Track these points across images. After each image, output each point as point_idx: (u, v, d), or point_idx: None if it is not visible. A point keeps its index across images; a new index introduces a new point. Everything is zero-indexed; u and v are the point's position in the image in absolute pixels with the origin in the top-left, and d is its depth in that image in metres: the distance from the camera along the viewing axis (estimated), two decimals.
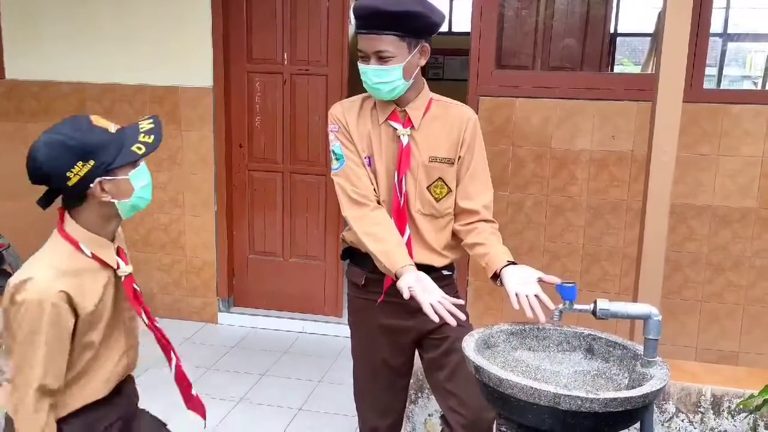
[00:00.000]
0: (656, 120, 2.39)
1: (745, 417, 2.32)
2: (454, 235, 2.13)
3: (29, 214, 4.57)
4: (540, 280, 1.88)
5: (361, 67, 1.98)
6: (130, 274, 1.80)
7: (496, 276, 1.96)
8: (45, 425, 1.63)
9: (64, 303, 1.63)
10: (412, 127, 2.04)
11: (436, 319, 1.82)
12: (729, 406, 2.34)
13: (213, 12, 4.12)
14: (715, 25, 4.82)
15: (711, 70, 5.09)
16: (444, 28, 3.73)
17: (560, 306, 1.79)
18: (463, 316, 1.86)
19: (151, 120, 1.77)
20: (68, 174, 1.61)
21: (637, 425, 1.77)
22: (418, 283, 1.87)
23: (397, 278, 1.89)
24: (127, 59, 4.26)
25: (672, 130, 2.38)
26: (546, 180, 3.67)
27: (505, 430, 1.73)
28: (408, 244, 2.04)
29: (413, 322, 2.10)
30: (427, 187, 2.06)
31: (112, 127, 1.69)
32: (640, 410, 1.60)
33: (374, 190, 2.05)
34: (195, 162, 4.30)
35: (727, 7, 4.99)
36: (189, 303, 4.47)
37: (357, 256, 2.15)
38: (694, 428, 2.37)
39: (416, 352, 2.24)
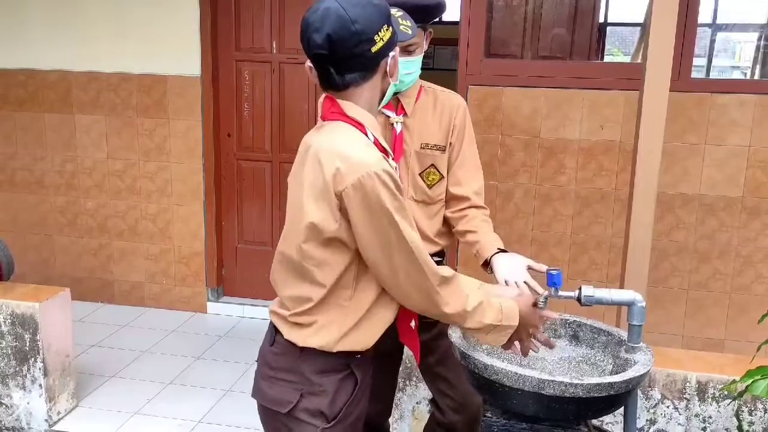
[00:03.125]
0: (643, 109, 2.39)
1: (729, 403, 2.34)
2: (446, 221, 2.14)
3: (16, 203, 4.56)
4: (530, 268, 1.90)
5: None
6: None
7: (487, 263, 1.97)
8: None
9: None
10: (405, 114, 2.04)
11: None
12: (714, 393, 2.36)
13: (201, 0, 4.09)
14: (705, 16, 4.83)
15: (700, 61, 5.11)
16: None
17: (546, 293, 1.80)
18: None
19: (397, 8, 1.71)
20: (375, 37, 1.47)
21: (622, 410, 1.79)
22: None
23: None
24: (115, 48, 4.23)
25: (659, 120, 2.38)
26: (535, 169, 3.67)
27: (490, 415, 1.75)
28: None
29: None
30: (420, 174, 2.07)
31: None
32: (623, 395, 1.62)
33: None
34: (183, 151, 4.27)
35: None
36: (178, 293, 4.46)
37: None
38: (679, 414, 2.40)
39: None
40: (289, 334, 1.60)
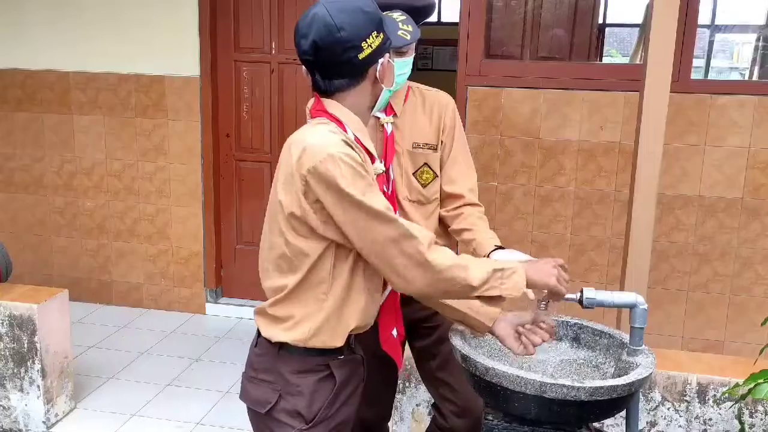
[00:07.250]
0: (644, 110, 2.39)
1: (731, 406, 2.33)
2: (441, 221, 2.14)
3: (14, 204, 4.54)
4: None
5: None
6: (382, 173, 1.63)
7: None
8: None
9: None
10: (395, 114, 2.04)
11: None
12: (714, 395, 2.36)
13: (200, 0, 4.08)
14: (704, 17, 4.83)
15: (699, 62, 5.11)
16: (433, 18, 3.72)
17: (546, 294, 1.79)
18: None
19: (400, 12, 1.71)
20: (362, 44, 1.48)
21: (624, 413, 1.78)
22: None
23: None
24: (113, 48, 4.21)
25: (659, 121, 2.38)
26: (534, 170, 3.67)
27: (491, 418, 1.74)
28: None
29: (404, 311, 2.10)
30: (414, 174, 2.07)
31: None
32: (625, 398, 1.61)
33: None
34: (182, 152, 4.26)
35: None
36: (176, 294, 4.44)
37: None
38: (680, 417, 2.39)
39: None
40: (266, 329, 1.61)
